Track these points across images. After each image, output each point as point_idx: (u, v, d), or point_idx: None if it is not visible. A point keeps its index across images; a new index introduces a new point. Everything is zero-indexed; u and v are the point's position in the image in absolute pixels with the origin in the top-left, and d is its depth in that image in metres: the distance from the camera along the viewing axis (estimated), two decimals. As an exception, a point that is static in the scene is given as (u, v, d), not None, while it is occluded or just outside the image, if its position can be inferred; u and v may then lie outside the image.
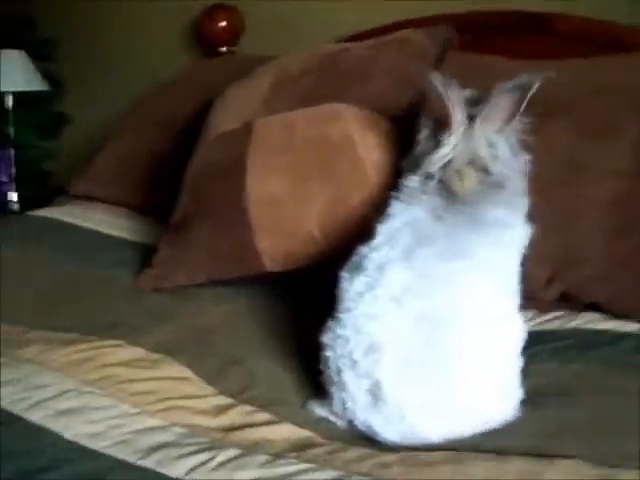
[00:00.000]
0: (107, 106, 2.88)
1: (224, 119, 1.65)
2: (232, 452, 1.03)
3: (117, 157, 2.16)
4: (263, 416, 1.18)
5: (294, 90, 1.58)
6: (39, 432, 1.06)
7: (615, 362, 1.25)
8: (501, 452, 1.02)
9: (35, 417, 1.10)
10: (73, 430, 1.07)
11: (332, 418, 1.18)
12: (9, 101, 2.80)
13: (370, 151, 1.45)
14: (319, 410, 1.20)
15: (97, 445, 1.04)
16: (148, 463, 1.01)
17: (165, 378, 1.25)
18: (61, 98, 3.07)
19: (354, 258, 1.20)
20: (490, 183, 1.20)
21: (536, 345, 1.33)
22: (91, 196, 2.16)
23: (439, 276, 1.13)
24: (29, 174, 2.90)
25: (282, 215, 1.48)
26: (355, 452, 1.07)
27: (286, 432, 1.14)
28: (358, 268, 1.18)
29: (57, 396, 1.15)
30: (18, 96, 2.82)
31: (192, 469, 0.99)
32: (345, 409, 1.15)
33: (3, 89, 2.71)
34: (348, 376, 1.13)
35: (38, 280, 1.61)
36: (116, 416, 1.12)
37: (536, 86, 1.15)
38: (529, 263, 1.39)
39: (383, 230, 1.20)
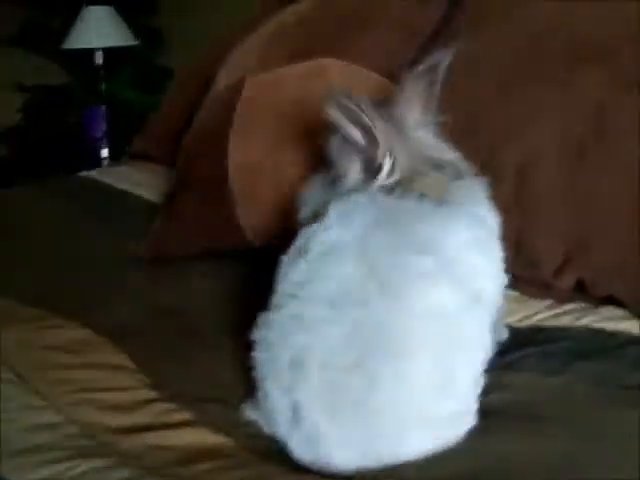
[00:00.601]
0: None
1: (224, 76, 1.51)
2: (99, 463, 0.92)
3: (168, 115, 2.07)
4: (181, 416, 1.05)
5: (288, 43, 1.41)
6: None
7: (608, 380, 1.01)
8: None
9: None
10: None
11: (260, 422, 1.03)
12: (99, 57, 2.80)
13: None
14: (250, 412, 1.05)
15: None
16: (5, 467, 0.92)
17: (98, 365, 1.16)
18: (163, 52, 3.03)
19: (300, 238, 1.03)
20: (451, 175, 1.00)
21: (525, 347, 1.11)
22: (146, 155, 2.10)
23: (391, 275, 0.93)
24: (125, 130, 2.89)
25: (262, 183, 1.33)
26: (252, 470, 0.93)
27: (195, 437, 1.01)
28: (301, 251, 1.01)
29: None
30: (115, 51, 2.81)
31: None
32: (267, 417, 1.00)
33: (91, 45, 2.70)
34: (271, 386, 0.98)
35: (37, 243, 1.57)
36: (14, 409, 1.04)
37: (446, 63, 1.01)
38: (541, 243, 1.17)
39: (339, 205, 1.01)
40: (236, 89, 1.41)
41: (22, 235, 1.65)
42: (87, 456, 0.94)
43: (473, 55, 1.26)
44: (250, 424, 1.03)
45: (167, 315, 1.28)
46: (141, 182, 1.92)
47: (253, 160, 1.34)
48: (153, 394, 1.10)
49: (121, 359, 1.17)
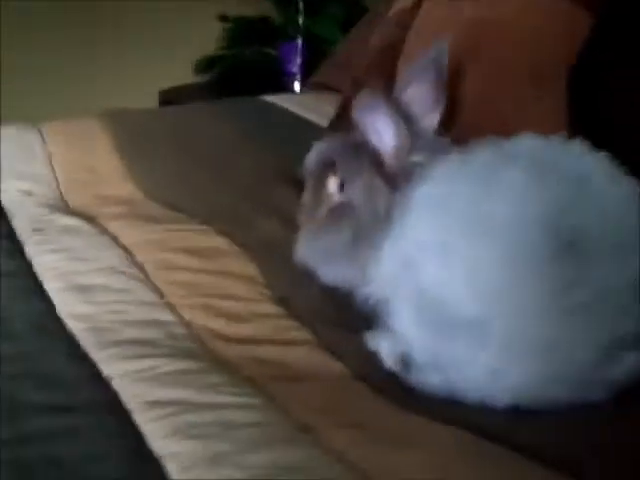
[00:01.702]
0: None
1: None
2: (193, 365, 0.85)
3: (351, 46, 1.98)
4: (299, 334, 0.97)
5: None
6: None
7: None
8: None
9: (48, 286, 1.02)
10: (69, 307, 0.97)
11: (383, 354, 0.93)
12: (302, -8, 2.75)
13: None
14: (374, 343, 0.95)
15: (74, 325, 0.93)
16: (98, 355, 0.87)
17: (226, 274, 1.09)
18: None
19: None
20: None
21: None
22: (327, 85, 2.03)
23: None
24: (319, 66, 2.83)
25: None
26: (358, 401, 0.83)
27: (307, 356, 0.92)
28: None
29: (90, 271, 1.06)
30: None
31: (125, 374, 0.83)
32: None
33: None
34: None
35: (199, 156, 1.54)
36: (128, 302, 1.00)
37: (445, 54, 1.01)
38: None
39: None
40: (415, 6, 1.29)
41: (188, 148, 1.62)
42: (184, 357, 0.87)
43: None
44: (370, 354, 0.93)
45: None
46: (315, 108, 1.85)
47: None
48: (275, 309, 1.02)
49: (251, 270, 1.11)
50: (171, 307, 1.00)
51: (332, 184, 1.02)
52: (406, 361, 0.88)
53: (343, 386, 0.87)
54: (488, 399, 0.80)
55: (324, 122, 1.74)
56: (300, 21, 2.77)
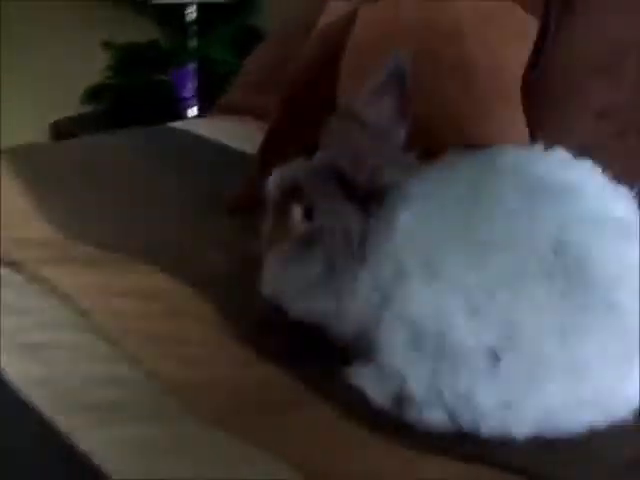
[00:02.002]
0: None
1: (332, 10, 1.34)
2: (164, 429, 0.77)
3: (259, 67, 1.91)
4: (271, 374, 0.89)
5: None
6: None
7: None
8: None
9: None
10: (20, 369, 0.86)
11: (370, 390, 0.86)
12: (192, 13, 2.66)
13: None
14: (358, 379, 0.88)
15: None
16: (67, 423, 0.77)
17: (181, 316, 1.01)
18: (257, 12, 2.88)
19: None
20: None
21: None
22: (234, 108, 1.95)
23: None
24: (215, 89, 2.75)
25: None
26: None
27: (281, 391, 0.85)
28: None
29: (34, 327, 0.95)
30: (209, 8, 2.67)
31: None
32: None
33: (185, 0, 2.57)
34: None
35: (119, 190, 1.44)
36: (83, 359, 0.90)
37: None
38: None
39: None
40: (349, 18, 1.24)
41: (102, 182, 1.51)
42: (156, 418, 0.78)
43: None
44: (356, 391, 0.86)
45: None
46: (229, 132, 1.77)
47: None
48: (242, 351, 0.94)
49: (208, 310, 1.02)
50: (130, 359, 0.91)
51: (296, 212, 0.95)
52: (401, 398, 0.82)
53: (332, 425, 0.80)
54: (505, 432, 0.76)
55: (241, 146, 1.68)
56: (194, 44, 2.68)
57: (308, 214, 0.94)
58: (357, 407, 0.84)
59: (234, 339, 0.97)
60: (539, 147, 0.87)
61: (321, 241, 0.92)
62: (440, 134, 1.06)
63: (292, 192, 0.95)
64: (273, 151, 1.32)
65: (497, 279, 0.76)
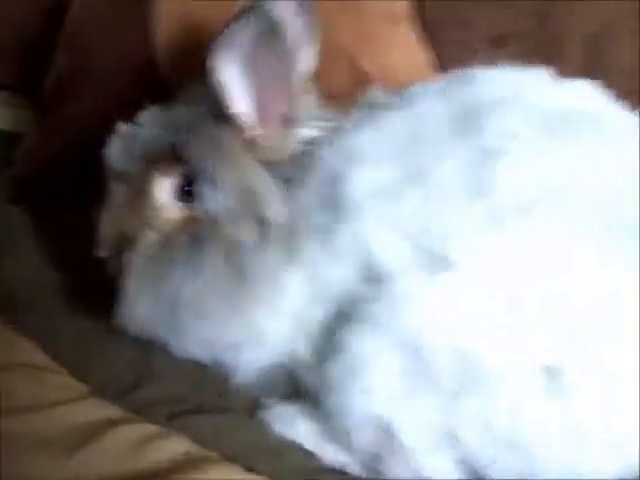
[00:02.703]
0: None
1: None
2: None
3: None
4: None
5: None
6: None
7: None
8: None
9: None
10: None
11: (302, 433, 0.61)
12: None
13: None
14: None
15: None
16: None
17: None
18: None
19: None
20: None
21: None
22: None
23: None
24: None
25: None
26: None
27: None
28: None
29: None
30: None
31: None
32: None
33: None
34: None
35: None
36: None
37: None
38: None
39: None
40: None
41: None
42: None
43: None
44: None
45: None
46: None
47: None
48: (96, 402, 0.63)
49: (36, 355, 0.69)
50: None
51: (163, 189, 0.63)
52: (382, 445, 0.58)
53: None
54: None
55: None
56: None
57: (189, 190, 0.62)
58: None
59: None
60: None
61: (213, 232, 0.60)
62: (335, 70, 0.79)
63: (155, 158, 0.62)
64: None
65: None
